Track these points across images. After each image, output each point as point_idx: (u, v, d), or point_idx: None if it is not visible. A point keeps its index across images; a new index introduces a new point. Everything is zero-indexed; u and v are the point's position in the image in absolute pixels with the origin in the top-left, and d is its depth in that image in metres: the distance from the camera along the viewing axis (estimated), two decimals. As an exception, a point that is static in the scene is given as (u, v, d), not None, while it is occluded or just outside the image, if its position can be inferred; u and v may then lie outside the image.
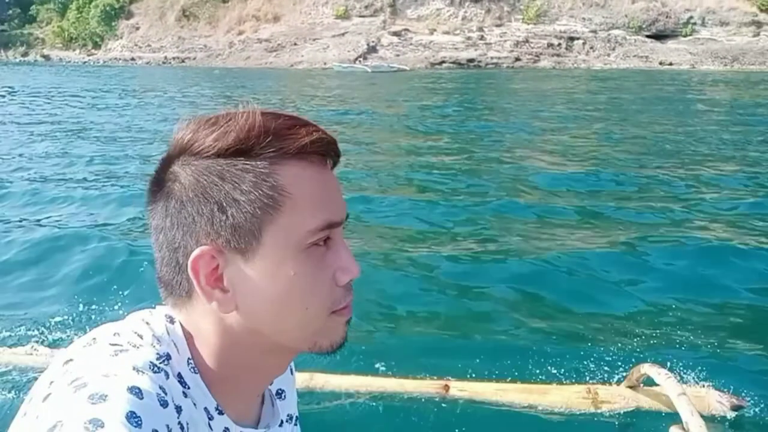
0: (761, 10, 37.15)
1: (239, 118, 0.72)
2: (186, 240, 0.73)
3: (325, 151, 0.76)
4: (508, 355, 3.10)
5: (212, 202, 0.71)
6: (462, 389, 2.83)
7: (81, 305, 3.86)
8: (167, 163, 0.76)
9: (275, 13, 45.41)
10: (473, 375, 2.93)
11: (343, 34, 41.23)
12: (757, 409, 2.72)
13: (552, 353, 3.08)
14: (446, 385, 2.84)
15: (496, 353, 3.14)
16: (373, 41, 40.42)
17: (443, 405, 2.76)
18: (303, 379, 2.75)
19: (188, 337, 0.76)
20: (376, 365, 3.07)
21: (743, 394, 2.74)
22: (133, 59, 49.72)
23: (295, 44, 41.96)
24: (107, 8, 54.44)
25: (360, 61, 37.99)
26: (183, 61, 46.39)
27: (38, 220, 5.96)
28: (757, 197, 6.74)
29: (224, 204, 0.71)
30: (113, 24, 54.98)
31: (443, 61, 38.19)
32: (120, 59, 50.31)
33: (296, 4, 44.74)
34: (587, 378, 2.79)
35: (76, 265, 4.69)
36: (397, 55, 39.19)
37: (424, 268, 4.61)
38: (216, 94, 21.27)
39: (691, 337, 3.38)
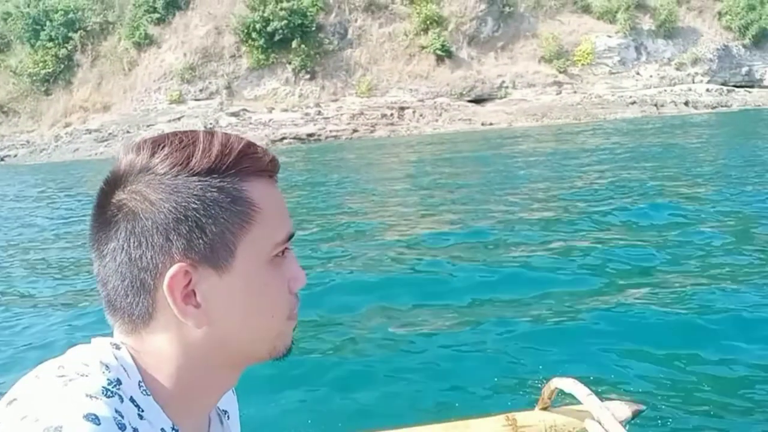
0: (560, 72, 42.40)
1: (213, 137, 0.74)
2: (158, 259, 0.71)
3: (277, 169, 0.81)
4: (430, 395, 3.18)
5: (190, 220, 0.71)
6: (388, 439, 2.84)
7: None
8: (119, 185, 0.73)
9: (104, 103, 43.50)
10: (398, 421, 2.97)
11: (179, 118, 40.44)
12: (651, 412, 3.04)
13: (469, 385, 3.21)
14: (372, 438, 2.84)
15: (418, 394, 3.21)
16: (211, 123, 40.02)
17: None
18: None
19: (137, 360, 0.74)
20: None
21: (635, 397, 3.05)
22: (-59, 163, 44.84)
23: (128, 132, 40.35)
24: None
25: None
26: (2, 160, 42.62)
27: None
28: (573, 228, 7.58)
29: (202, 221, 0.71)
30: None
31: (284, 138, 38.66)
32: (-75, 164, 45.13)
33: (127, 92, 43.28)
34: (508, 404, 2.94)
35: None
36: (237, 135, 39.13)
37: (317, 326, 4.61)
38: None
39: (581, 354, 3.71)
